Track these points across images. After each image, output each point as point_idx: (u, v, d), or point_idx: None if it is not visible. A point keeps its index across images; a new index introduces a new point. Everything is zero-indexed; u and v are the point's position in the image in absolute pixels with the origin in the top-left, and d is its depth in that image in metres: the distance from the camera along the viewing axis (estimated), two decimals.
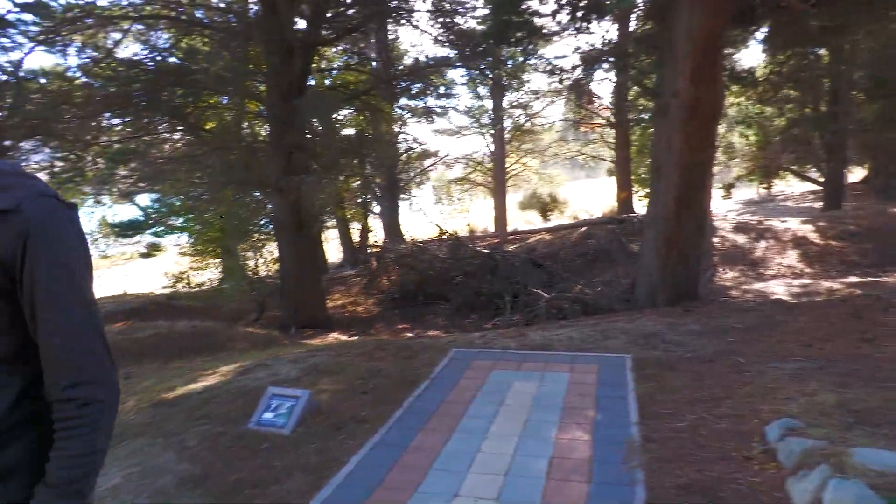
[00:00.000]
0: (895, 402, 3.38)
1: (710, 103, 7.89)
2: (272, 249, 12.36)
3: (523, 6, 8.96)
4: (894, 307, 6.13)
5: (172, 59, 11.43)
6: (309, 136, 10.40)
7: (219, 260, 12.40)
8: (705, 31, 7.32)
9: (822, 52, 15.70)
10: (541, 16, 9.06)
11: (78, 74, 10.73)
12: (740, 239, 15.77)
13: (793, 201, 28.21)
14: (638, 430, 3.63)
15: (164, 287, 13.20)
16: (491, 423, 3.85)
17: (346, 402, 4.26)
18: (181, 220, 12.00)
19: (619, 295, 10.80)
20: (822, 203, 21.04)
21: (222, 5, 11.62)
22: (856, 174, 28.44)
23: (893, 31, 11.01)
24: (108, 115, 10.74)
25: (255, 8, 10.53)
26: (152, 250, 13.34)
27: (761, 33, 11.65)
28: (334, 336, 10.69)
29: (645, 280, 9.05)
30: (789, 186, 30.74)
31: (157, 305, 12.02)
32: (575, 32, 9.43)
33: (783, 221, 16.83)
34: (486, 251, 14.22)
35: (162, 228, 13.91)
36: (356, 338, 9.70)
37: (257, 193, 11.53)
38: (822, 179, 20.61)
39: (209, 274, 13.52)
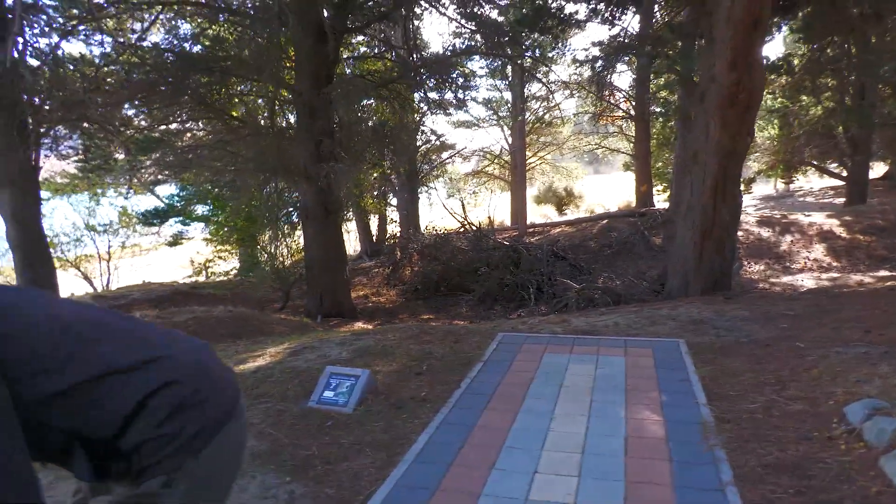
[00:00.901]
0: None
1: (749, 90, 7.75)
2: (296, 238, 12.35)
3: None
4: None
5: (197, 48, 11.43)
6: (337, 124, 10.35)
7: (244, 248, 12.41)
8: (747, 16, 7.19)
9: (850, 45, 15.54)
10: (575, 1, 8.98)
11: (101, 63, 10.73)
12: (765, 233, 15.61)
13: (812, 197, 27.94)
14: (709, 411, 3.56)
15: (188, 276, 13.23)
16: (554, 403, 3.79)
17: (402, 383, 4.21)
18: (207, 208, 12.00)
19: (647, 286, 10.71)
20: (842, 199, 20.82)
21: None
22: (875, 170, 28.15)
23: None
24: (135, 102, 10.74)
25: None
26: (178, 239, 13.36)
27: (787, 23, 11.53)
28: (360, 325, 10.67)
29: (679, 270, 8.94)
30: (808, 182, 30.50)
31: (182, 294, 12.05)
32: (610, 19, 9.31)
33: (808, 216, 16.64)
34: (507, 243, 14.14)
35: (183, 218, 13.94)
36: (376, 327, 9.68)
37: (277, 181, 11.50)
38: (845, 174, 20.37)
39: (233, 263, 13.56)
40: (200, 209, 13.26)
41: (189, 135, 12.50)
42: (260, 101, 12.62)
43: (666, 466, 2.96)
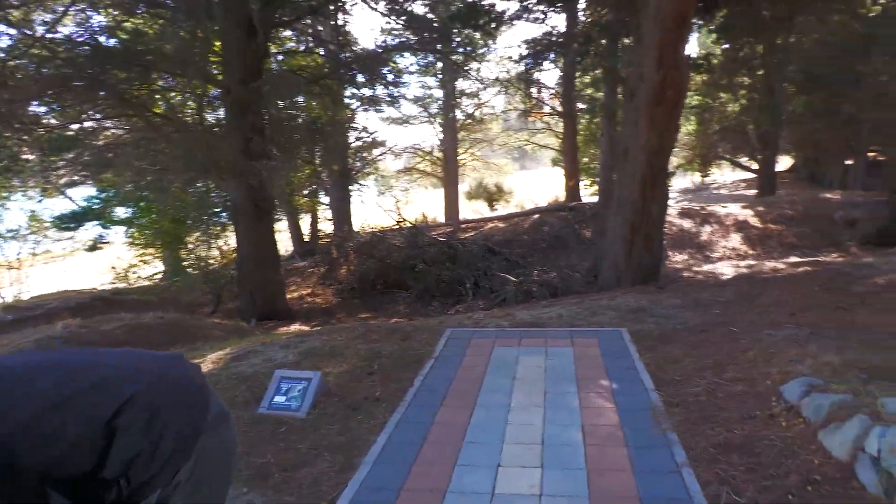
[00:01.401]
0: None
1: (676, 87, 8.08)
2: (227, 240, 11.92)
3: None
4: (857, 280, 6.50)
5: (113, 41, 10.79)
6: (268, 120, 10.05)
7: (170, 251, 11.85)
8: (674, 14, 7.48)
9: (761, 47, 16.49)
10: None
11: (6, 57, 9.94)
12: (686, 224, 16.35)
13: (726, 189, 29.59)
14: (657, 396, 3.69)
15: (110, 283, 12.51)
16: (509, 396, 3.83)
17: (355, 384, 4.14)
18: (128, 210, 11.36)
19: (581, 278, 11.00)
20: (754, 191, 22.15)
21: None
22: (781, 164, 30.10)
23: (832, 26, 11.62)
24: (46, 98, 10.03)
25: None
26: (98, 244, 12.57)
27: (705, 24, 12.13)
28: (297, 327, 10.42)
29: (610, 262, 9.23)
30: (722, 175, 32.23)
31: (104, 301, 11.37)
32: (541, 17, 9.49)
33: (724, 207, 17.57)
34: (443, 239, 14.18)
35: (102, 221, 13.14)
36: (318, 328, 9.47)
37: (207, 180, 11.04)
38: (755, 168, 21.67)
39: (157, 267, 12.96)
40: (121, 212, 12.53)
41: (108, 133, 11.79)
42: (182, 97, 12.08)
43: (623, 452, 3.04)
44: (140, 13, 10.91)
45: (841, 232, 14.67)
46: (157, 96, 11.40)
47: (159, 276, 12.91)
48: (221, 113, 11.00)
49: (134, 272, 11.80)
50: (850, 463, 2.66)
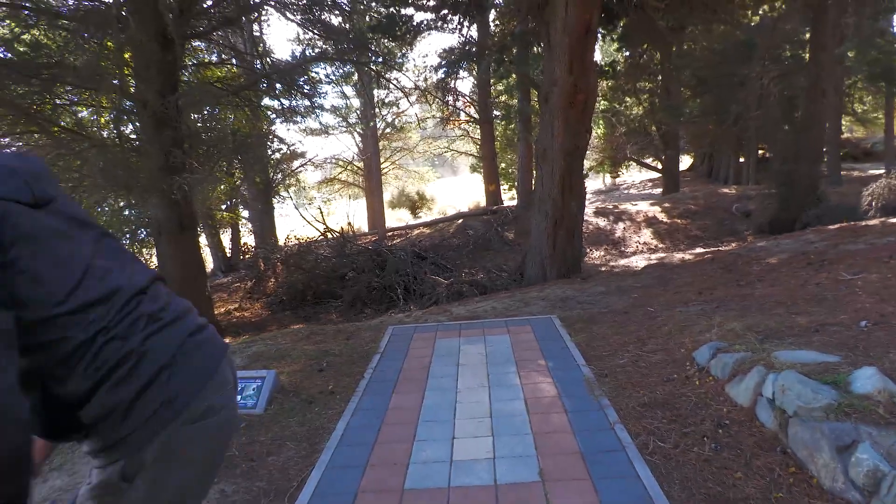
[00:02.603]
0: (786, 323, 4.11)
1: (586, 90, 8.68)
2: (148, 259, 11.57)
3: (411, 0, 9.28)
4: (753, 262, 7.25)
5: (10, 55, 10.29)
6: (187, 133, 9.89)
7: None
8: (580, 24, 8.07)
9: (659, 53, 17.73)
10: (425, 10, 9.43)
11: None
12: (601, 222, 17.29)
13: (635, 189, 31.27)
14: (589, 369, 4.08)
15: None
16: (456, 380, 4.10)
17: (308, 380, 4.29)
18: None
19: (507, 276, 11.48)
20: (660, 188, 23.64)
21: None
22: (683, 163, 32.19)
23: (719, 34, 12.76)
24: None
25: None
26: None
27: (608, 32, 13.00)
28: (228, 340, 10.28)
29: (536, 258, 9.72)
30: (630, 176, 34.07)
31: None
32: (458, 28, 9.90)
33: (635, 205, 18.70)
34: (371, 247, 14.34)
35: None
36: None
37: (128, 198, 10.69)
38: (660, 167, 23.14)
39: None
40: None
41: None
42: (88, 111, 11.63)
43: (564, 417, 3.38)
44: (38, 25, 10.46)
45: (738, 222, 16.00)
46: (62, 111, 10.94)
47: None
48: (132, 127, 10.71)
49: None
50: (752, 407, 3.11)
